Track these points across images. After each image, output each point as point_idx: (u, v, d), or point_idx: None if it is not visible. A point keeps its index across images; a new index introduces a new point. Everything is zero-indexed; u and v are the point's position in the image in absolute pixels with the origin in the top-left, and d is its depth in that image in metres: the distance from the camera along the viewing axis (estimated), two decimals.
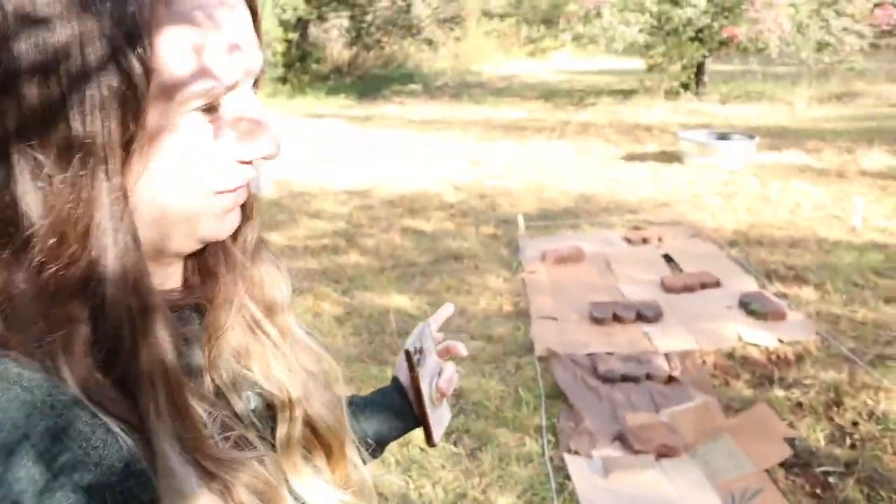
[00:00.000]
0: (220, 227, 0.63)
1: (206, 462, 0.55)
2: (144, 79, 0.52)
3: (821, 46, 12.45)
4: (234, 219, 0.64)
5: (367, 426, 0.97)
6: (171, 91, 0.54)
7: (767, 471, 2.81)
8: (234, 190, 0.62)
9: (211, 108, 0.57)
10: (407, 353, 0.93)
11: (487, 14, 24.68)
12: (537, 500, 2.76)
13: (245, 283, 0.68)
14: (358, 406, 0.98)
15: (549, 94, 15.98)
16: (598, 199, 7.18)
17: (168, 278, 0.66)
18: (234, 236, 0.68)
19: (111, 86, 0.51)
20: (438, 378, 0.99)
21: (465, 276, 5.19)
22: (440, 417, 1.01)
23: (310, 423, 0.71)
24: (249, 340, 0.68)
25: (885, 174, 7.48)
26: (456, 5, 23.52)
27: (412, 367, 0.93)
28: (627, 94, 14.88)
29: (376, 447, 0.97)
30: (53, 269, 0.52)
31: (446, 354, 1.04)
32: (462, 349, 1.05)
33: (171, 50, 0.53)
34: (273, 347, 0.70)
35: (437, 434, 0.99)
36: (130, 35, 0.51)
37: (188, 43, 0.54)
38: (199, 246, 0.64)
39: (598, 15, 12.49)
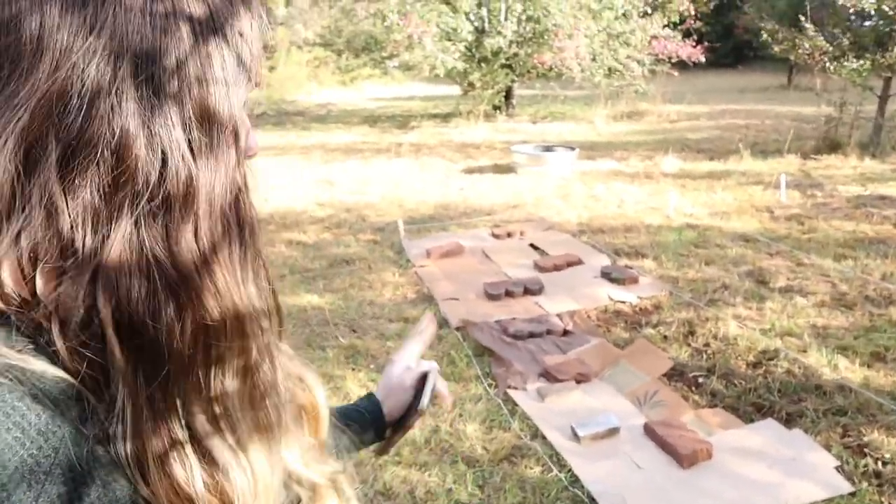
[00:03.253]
0: None
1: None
2: None
3: (611, 72, 14.44)
4: None
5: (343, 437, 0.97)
6: None
7: (658, 379, 3.77)
8: None
9: None
10: (419, 413, 1.07)
11: (297, 44, 25.22)
12: (496, 424, 3.50)
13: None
14: (338, 417, 0.96)
15: (371, 119, 16.85)
16: (455, 205, 8.07)
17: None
18: None
19: None
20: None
21: (363, 275, 5.82)
22: None
23: None
24: None
25: (680, 174, 9.11)
26: (268, 35, 23.82)
27: (412, 411, 1.08)
28: (446, 117, 16.13)
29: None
30: None
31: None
32: (449, 401, 1.17)
33: None
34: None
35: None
36: None
37: None
38: None
39: (421, 43, 13.57)
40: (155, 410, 0.54)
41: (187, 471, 0.56)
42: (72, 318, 0.51)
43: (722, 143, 11.31)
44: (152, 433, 0.54)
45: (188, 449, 0.56)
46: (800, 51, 10.49)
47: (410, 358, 1.13)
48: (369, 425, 1.07)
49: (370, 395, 1.10)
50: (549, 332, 4.47)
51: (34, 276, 0.51)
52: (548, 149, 10.05)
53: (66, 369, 0.51)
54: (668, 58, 14.78)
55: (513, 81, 15.38)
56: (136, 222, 0.52)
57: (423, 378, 1.10)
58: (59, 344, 0.51)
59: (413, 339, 1.15)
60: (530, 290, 5.11)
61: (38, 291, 0.51)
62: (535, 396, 3.71)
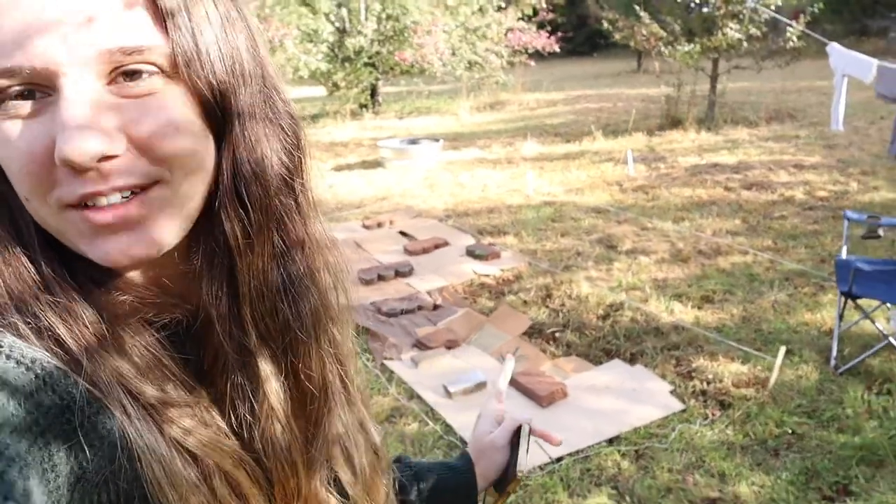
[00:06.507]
0: (93, 252, 0.52)
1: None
2: None
3: (471, 65, 14.98)
4: (119, 246, 0.51)
5: (430, 496, 0.96)
6: None
7: (519, 337, 4.14)
8: (79, 206, 0.50)
9: (3, 99, 0.48)
10: (519, 479, 0.96)
11: None
12: (375, 391, 3.76)
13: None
14: (420, 475, 0.96)
15: None
16: (325, 202, 7.88)
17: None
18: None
19: None
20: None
21: None
22: None
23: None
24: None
25: (539, 158, 9.68)
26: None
27: (509, 474, 0.98)
28: (314, 118, 16.17)
29: None
30: None
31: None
32: (558, 440, 1.04)
33: None
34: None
35: None
36: None
37: None
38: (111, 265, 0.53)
39: (283, 46, 13.57)
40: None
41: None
42: None
43: (577, 126, 12.03)
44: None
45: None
46: (638, 37, 11.32)
47: (497, 406, 1.07)
48: (463, 490, 0.98)
49: (464, 454, 1.01)
50: (420, 307, 4.76)
51: None
52: (413, 142, 10.37)
53: None
54: (524, 49, 15.47)
55: (377, 79, 15.64)
56: None
57: (517, 434, 1.01)
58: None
59: (498, 383, 1.10)
60: (401, 272, 5.39)
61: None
62: (410, 364, 3.99)
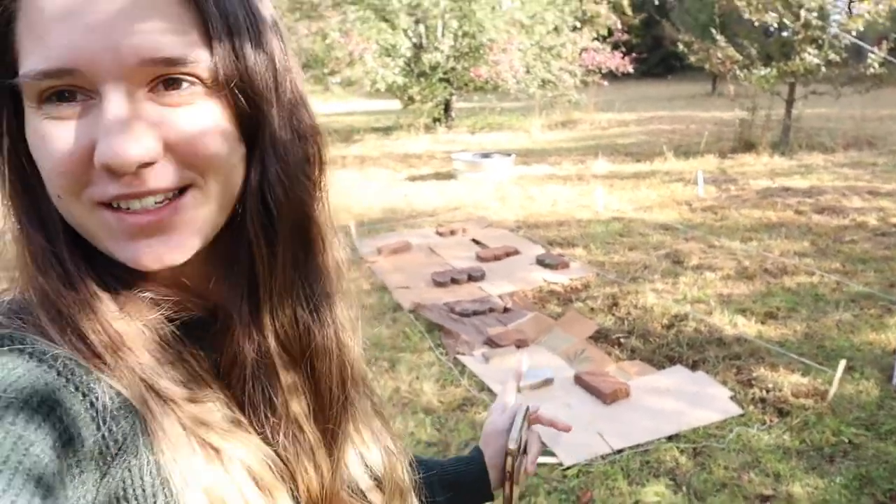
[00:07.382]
0: (123, 254, 0.53)
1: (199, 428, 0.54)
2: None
3: (545, 83, 15.24)
4: (150, 250, 0.53)
5: (442, 497, 0.95)
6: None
7: (586, 340, 4.36)
8: (112, 206, 0.52)
9: (47, 98, 0.50)
10: (508, 453, 0.94)
11: None
12: (448, 382, 4.03)
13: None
14: (436, 473, 0.96)
15: None
16: (400, 210, 8.59)
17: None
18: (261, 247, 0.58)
19: None
20: (525, 457, 1.00)
21: None
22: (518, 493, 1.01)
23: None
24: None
25: (609, 175, 9.85)
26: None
27: (511, 468, 0.95)
28: (388, 130, 16.68)
29: None
30: None
31: (535, 422, 1.06)
32: (566, 425, 1.07)
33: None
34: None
35: None
36: None
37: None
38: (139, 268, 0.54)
39: (362, 59, 14.10)
40: None
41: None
42: None
43: (648, 147, 12.14)
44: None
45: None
46: (713, 60, 11.38)
47: (507, 398, 1.10)
48: (480, 484, 1.01)
49: (477, 447, 1.05)
50: (491, 309, 5.02)
51: None
52: (486, 156, 10.68)
53: None
54: (597, 69, 15.65)
55: (451, 94, 16.05)
56: None
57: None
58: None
59: (508, 381, 1.14)
60: (473, 276, 5.66)
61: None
62: (481, 360, 4.25)
